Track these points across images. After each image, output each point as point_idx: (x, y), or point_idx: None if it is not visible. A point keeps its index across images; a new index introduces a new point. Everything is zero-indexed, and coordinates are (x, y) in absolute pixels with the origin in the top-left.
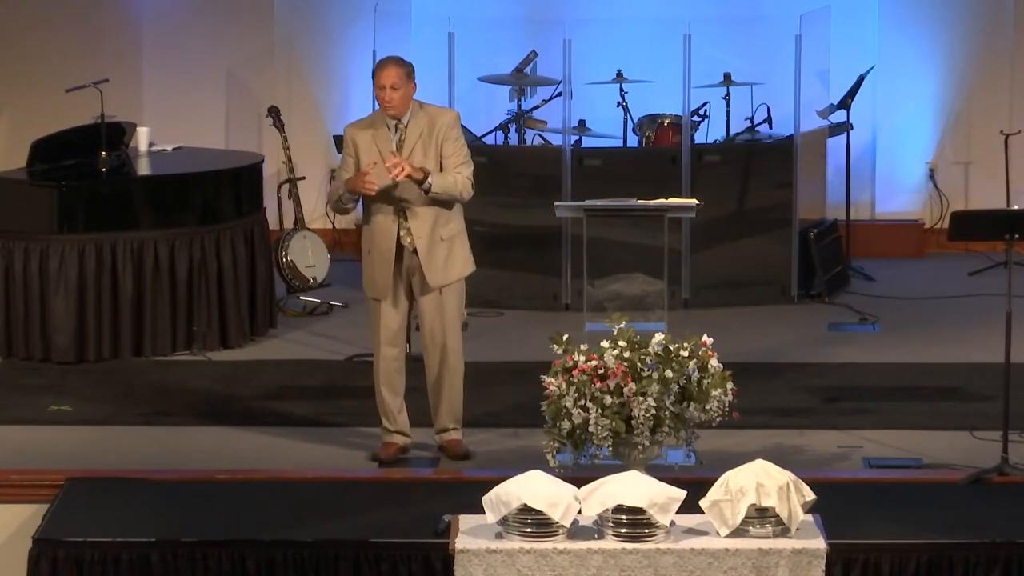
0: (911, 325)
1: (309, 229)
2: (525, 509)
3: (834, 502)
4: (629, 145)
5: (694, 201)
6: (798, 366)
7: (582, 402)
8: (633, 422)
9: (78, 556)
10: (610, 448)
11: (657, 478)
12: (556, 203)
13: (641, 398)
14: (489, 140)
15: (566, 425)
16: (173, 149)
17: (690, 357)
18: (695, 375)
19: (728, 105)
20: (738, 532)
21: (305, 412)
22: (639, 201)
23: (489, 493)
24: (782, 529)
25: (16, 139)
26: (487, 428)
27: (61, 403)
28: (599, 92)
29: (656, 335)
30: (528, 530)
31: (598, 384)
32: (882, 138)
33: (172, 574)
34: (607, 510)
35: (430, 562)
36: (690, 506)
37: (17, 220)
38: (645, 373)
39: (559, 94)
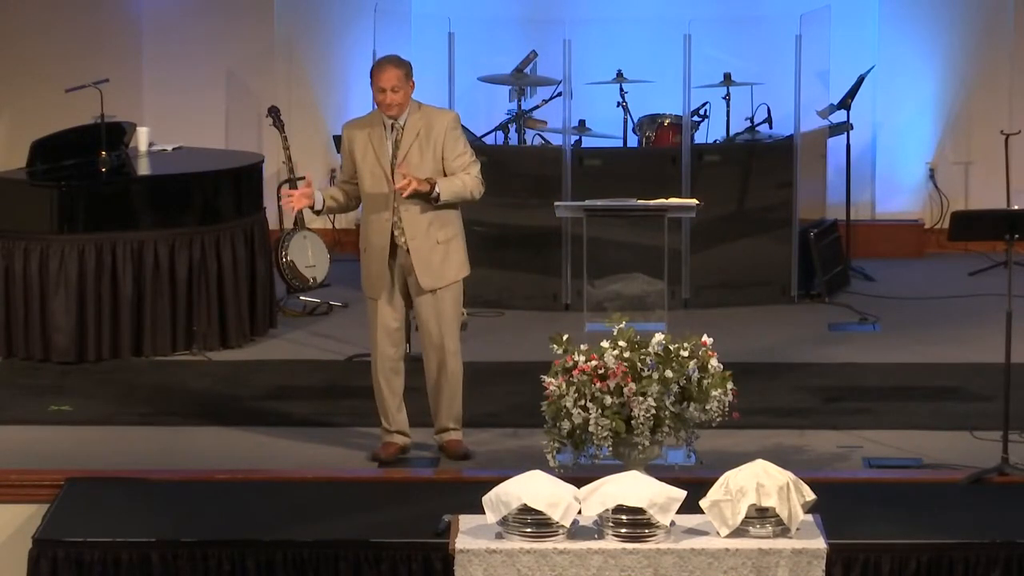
0: (911, 325)
1: (309, 229)
2: (525, 509)
3: (834, 502)
4: (629, 145)
5: (694, 201)
6: (798, 366)
7: (582, 402)
8: (633, 422)
9: (78, 556)
10: (610, 448)
11: (657, 478)
12: (556, 203)
13: (641, 398)
14: (489, 140)
15: (566, 425)
16: (173, 149)
17: (690, 357)
18: (695, 375)
19: (728, 105)
20: (738, 532)
21: (305, 412)
22: (639, 201)
23: (489, 493)
24: (782, 529)
25: (16, 139)
26: (487, 428)
27: (61, 403)
28: (599, 92)
29: (656, 335)
30: (528, 530)
31: (598, 384)
32: (882, 138)
33: (172, 574)
34: (607, 510)
35: (430, 562)
36: (690, 506)
37: (17, 220)
38: (645, 373)
39: (559, 94)
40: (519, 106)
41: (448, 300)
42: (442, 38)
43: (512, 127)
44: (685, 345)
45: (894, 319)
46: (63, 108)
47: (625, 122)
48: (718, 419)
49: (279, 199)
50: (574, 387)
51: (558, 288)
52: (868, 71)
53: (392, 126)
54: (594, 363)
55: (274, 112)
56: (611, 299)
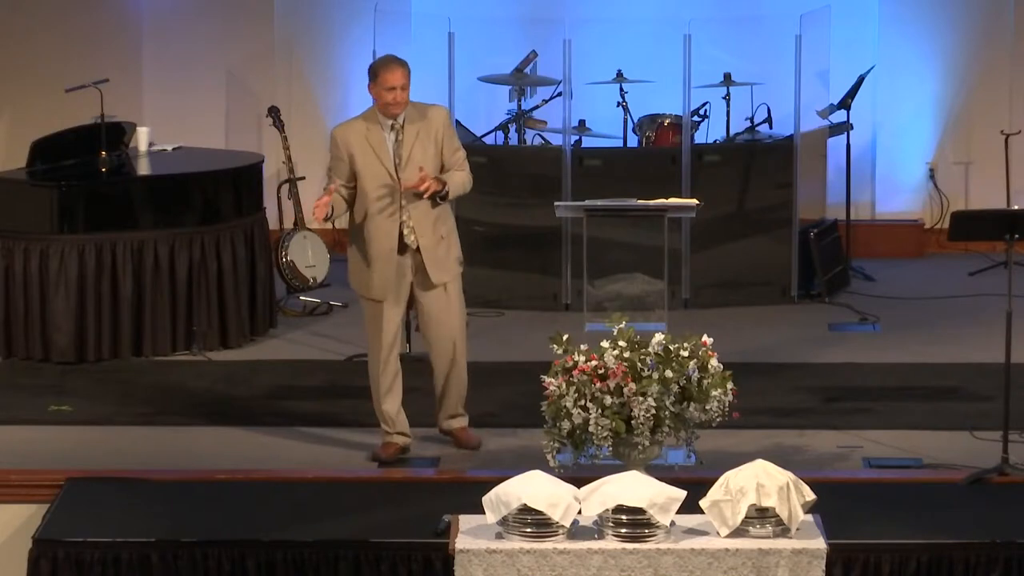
0: (911, 325)
1: (309, 229)
2: (525, 509)
3: (834, 502)
4: (629, 145)
5: (694, 201)
6: (798, 366)
7: (582, 402)
8: (633, 422)
9: (78, 556)
10: (610, 448)
11: (657, 478)
12: (556, 203)
13: (641, 398)
14: (489, 140)
15: (566, 425)
16: (173, 149)
17: (690, 357)
18: (695, 375)
19: (728, 105)
20: (738, 532)
21: (305, 412)
22: (639, 201)
23: (489, 493)
24: (782, 529)
25: (16, 139)
26: (487, 428)
27: (61, 403)
28: (599, 92)
29: (656, 335)
30: (528, 530)
31: (598, 384)
32: (882, 138)
33: (172, 574)
34: (607, 510)
35: (430, 562)
36: (690, 506)
37: (17, 220)
38: (645, 373)
39: (559, 94)
40: (519, 106)
41: (455, 291)
42: (442, 38)
43: (512, 127)
44: (685, 345)
45: (894, 319)
46: (63, 108)
47: (625, 122)
48: (718, 419)
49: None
50: (574, 387)
51: (558, 288)
52: (868, 71)
53: (392, 125)
54: (594, 363)
55: (274, 112)
56: (611, 299)
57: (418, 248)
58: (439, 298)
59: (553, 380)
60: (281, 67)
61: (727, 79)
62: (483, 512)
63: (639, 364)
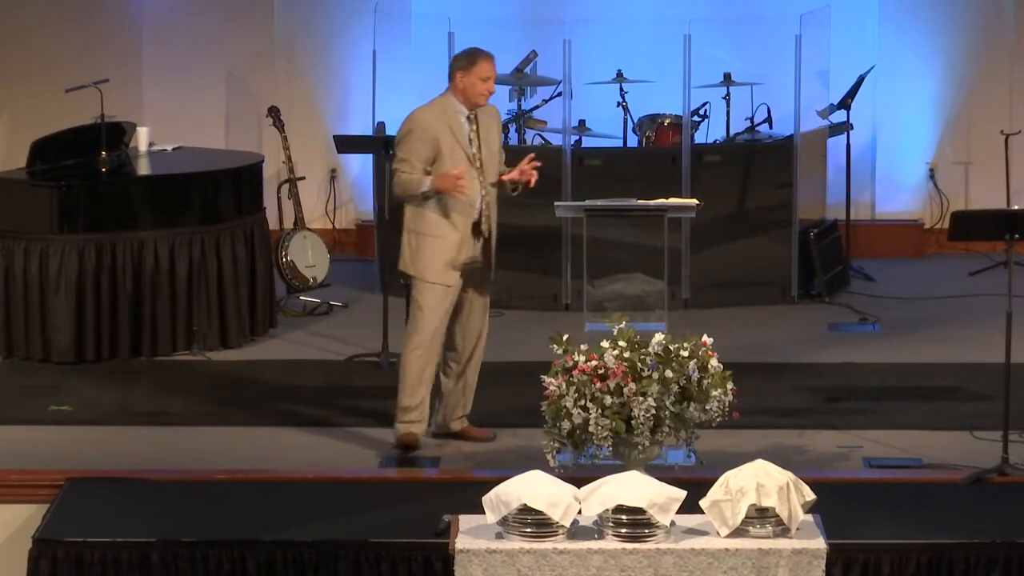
0: (911, 325)
1: (309, 229)
2: (525, 509)
3: (834, 502)
4: (629, 145)
5: (694, 201)
6: (798, 366)
7: (582, 402)
8: (633, 422)
9: (78, 556)
10: (610, 448)
11: (657, 478)
12: (556, 203)
13: (641, 398)
14: None
15: (566, 425)
16: (173, 149)
17: (690, 357)
18: (695, 375)
19: (728, 105)
20: (738, 532)
21: (305, 412)
22: (639, 201)
23: (489, 493)
24: (782, 529)
25: (16, 139)
26: (487, 428)
27: (61, 403)
28: (599, 92)
29: (656, 335)
30: (528, 530)
31: (598, 384)
32: (882, 138)
33: (172, 574)
34: (607, 510)
35: (430, 562)
36: (690, 506)
37: (17, 220)
38: (645, 373)
39: (559, 94)
40: (519, 106)
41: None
42: (442, 38)
43: (512, 127)
44: (685, 345)
45: (894, 319)
46: (63, 108)
47: (625, 122)
48: (718, 419)
49: (449, 188)
50: (574, 387)
51: (558, 288)
52: (868, 71)
53: (469, 117)
54: (594, 363)
55: (274, 112)
56: (611, 299)
57: (489, 236)
58: (486, 291)
59: (553, 380)
60: (281, 67)
61: (727, 79)
62: (483, 512)
63: (639, 364)
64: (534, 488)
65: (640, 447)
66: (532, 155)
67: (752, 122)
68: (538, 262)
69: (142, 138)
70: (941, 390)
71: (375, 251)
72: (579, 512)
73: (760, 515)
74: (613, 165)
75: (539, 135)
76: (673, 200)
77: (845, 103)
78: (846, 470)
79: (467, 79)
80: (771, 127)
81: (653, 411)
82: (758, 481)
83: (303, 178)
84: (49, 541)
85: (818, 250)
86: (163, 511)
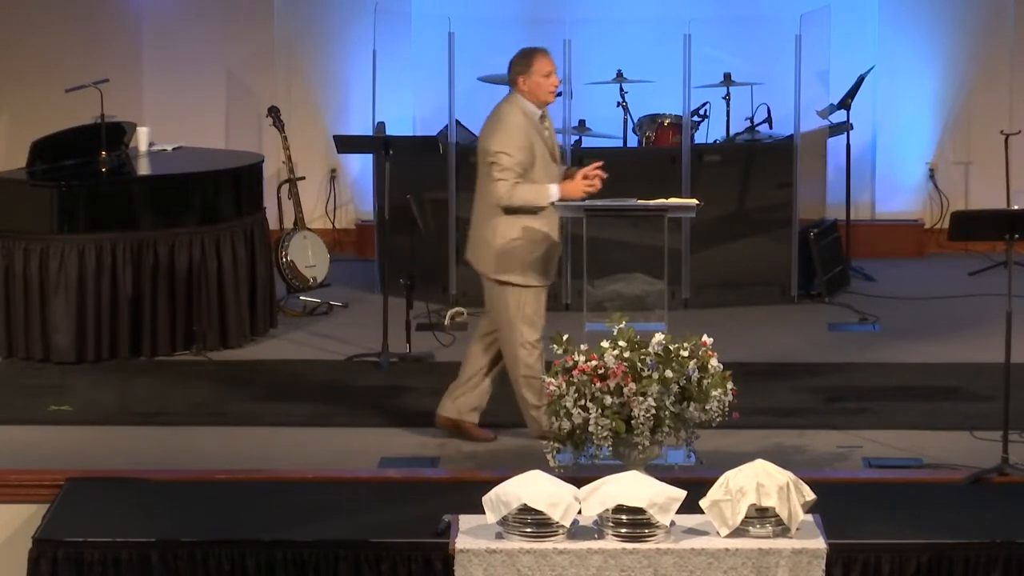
0: (911, 325)
1: (309, 229)
2: (525, 509)
3: (834, 502)
4: (629, 145)
5: (694, 201)
6: (798, 366)
7: (582, 402)
8: (633, 422)
9: (78, 556)
10: (610, 448)
11: (657, 478)
12: (556, 203)
13: (641, 398)
14: None
15: (566, 425)
16: (173, 149)
17: (690, 357)
18: (695, 375)
19: (728, 105)
20: (738, 532)
21: (305, 412)
22: (639, 201)
23: (489, 493)
24: (782, 529)
25: (16, 139)
26: (487, 428)
27: (61, 403)
28: (599, 92)
29: (656, 335)
30: (528, 530)
31: (598, 384)
32: (882, 138)
33: (172, 574)
34: (607, 510)
35: (430, 562)
36: (690, 506)
37: (17, 220)
38: (645, 373)
39: (559, 94)
40: None
41: None
42: (442, 38)
43: None
44: (685, 345)
45: (894, 319)
46: (63, 108)
47: (625, 122)
48: (718, 419)
49: (584, 190)
50: (574, 387)
51: (558, 288)
52: (868, 71)
53: (541, 116)
54: (594, 363)
55: (274, 112)
56: (611, 299)
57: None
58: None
59: (553, 380)
60: (281, 67)
61: (727, 79)
62: (483, 512)
63: (639, 364)
64: (534, 488)
65: (640, 447)
66: (600, 163)
67: (752, 122)
68: None
69: (142, 138)
70: (941, 390)
71: (375, 251)
72: (579, 512)
73: (760, 515)
74: (613, 165)
75: None
76: (673, 200)
77: (845, 103)
78: (846, 470)
79: (530, 80)
80: (771, 127)
81: (653, 411)
82: (758, 481)
83: (303, 178)
84: (49, 541)
85: (818, 250)
86: (163, 511)
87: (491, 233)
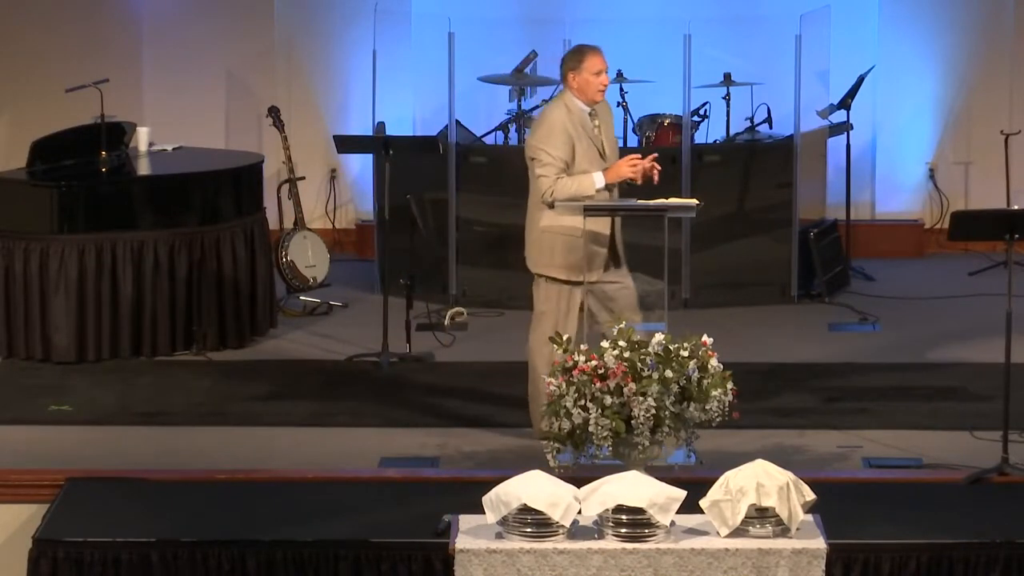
0: (911, 325)
1: (309, 229)
2: (525, 509)
3: (834, 502)
4: (629, 145)
5: (694, 201)
6: (798, 366)
7: (582, 402)
8: (633, 422)
9: (78, 556)
10: (610, 448)
11: (657, 478)
12: (556, 203)
13: (641, 398)
14: (489, 140)
15: (566, 425)
16: (173, 149)
17: (690, 357)
18: (695, 375)
19: (728, 105)
20: (738, 532)
21: (305, 412)
22: (639, 201)
23: (489, 493)
24: (782, 529)
25: (16, 139)
26: (487, 428)
27: (61, 403)
28: None
29: (656, 335)
30: (528, 530)
31: (598, 384)
32: (882, 138)
33: (172, 574)
34: (607, 510)
35: (430, 562)
36: (690, 506)
37: (17, 220)
38: (645, 373)
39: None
40: (519, 106)
41: None
42: (442, 38)
43: (512, 127)
44: (685, 345)
45: (894, 319)
46: (63, 108)
47: (625, 122)
48: (718, 419)
49: (639, 171)
50: (574, 387)
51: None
52: (868, 71)
53: (590, 113)
54: (594, 363)
55: (274, 112)
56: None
57: (616, 236)
58: (623, 278)
59: (553, 380)
60: (281, 67)
61: (727, 79)
62: (483, 512)
63: (639, 364)
64: (534, 488)
65: (640, 447)
66: (655, 155)
67: (752, 122)
68: None
69: (142, 138)
70: (941, 390)
71: (375, 251)
72: (579, 512)
73: (760, 515)
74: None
75: None
76: (673, 200)
77: (845, 103)
78: (846, 470)
79: (579, 77)
80: (771, 127)
81: (653, 411)
82: (758, 481)
83: (303, 178)
84: (49, 541)
85: (818, 250)
86: (163, 511)
87: (534, 227)
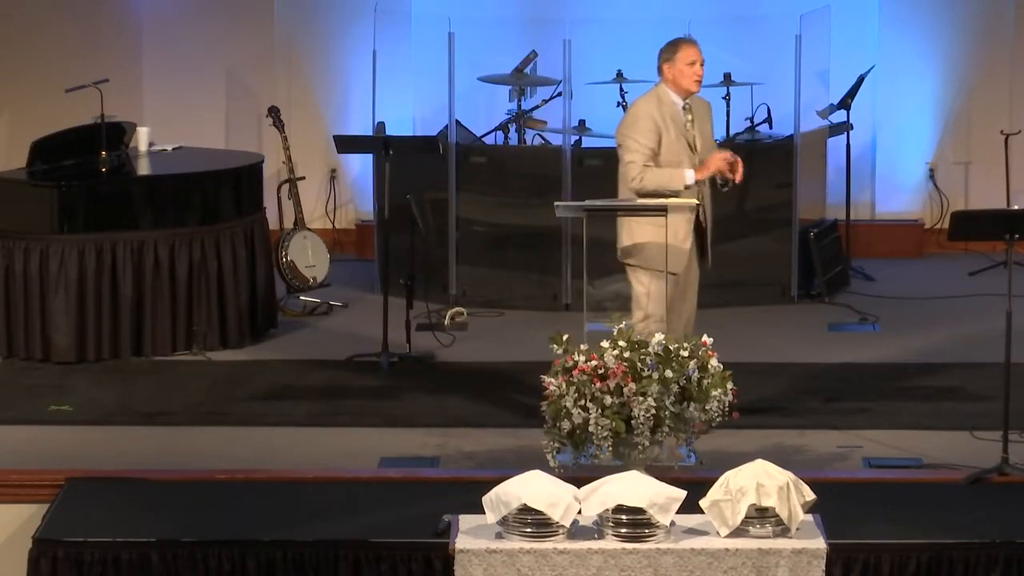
0: (911, 325)
1: (309, 229)
2: (525, 509)
3: (834, 502)
4: None
5: (694, 201)
6: (798, 366)
7: (582, 402)
8: (633, 422)
9: (78, 556)
10: (610, 448)
11: (657, 478)
12: (556, 203)
13: (641, 398)
14: (489, 140)
15: (566, 425)
16: (173, 149)
17: (690, 357)
18: (695, 375)
19: (728, 105)
20: (738, 532)
21: (305, 412)
22: (639, 201)
23: (489, 493)
24: (782, 529)
25: (16, 139)
26: (487, 428)
27: (61, 403)
28: (599, 92)
29: (656, 335)
30: (528, 530)
31: (598, 384)
32: (882, 138)
33: (172, 574)
34: (607, 510)
35: (430, 562)
36: (690, 506)
37: (17, 220)
38: (645, 373)
39: (559, 94)
40: (519, 106)
41: None
42: (442, 38)
43: (512, 127)
44: (685, 345)
45: (894, 319)
46: (63, 108)
47: None
48: (718, 419)
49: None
50: (574, 387)
51: (558, 288)
52: (868, 71)
53: (684, 106)
54: (594, 363)
55: (274, 112)
56: (611, 299)
57: (706, 225)
58: (697, 278)
59: (553, 380)
60: (281, 67)
61: (727, 79)
62: (483, 512)
63: (639, 364)
64: (534, 488)
65: (640, 447)
66: (734, 155)
67: (752, 122)
68: (538, 262)
69: (142, 138)
70: (941, 390)
71: (375, 251)
72: (579, 512)
73: (760, 515)
74: (613, 165)
75: (539, 135)
76: (673, 200)
77: (845, 103)
78: (846, 470)
79: (674, 68)
80: (771, 127)
81: (653, 411)
82: (758, 481)
83: (303, 178)
84: (49, 541)
85: (818, 250)
86: (163, 511)
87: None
